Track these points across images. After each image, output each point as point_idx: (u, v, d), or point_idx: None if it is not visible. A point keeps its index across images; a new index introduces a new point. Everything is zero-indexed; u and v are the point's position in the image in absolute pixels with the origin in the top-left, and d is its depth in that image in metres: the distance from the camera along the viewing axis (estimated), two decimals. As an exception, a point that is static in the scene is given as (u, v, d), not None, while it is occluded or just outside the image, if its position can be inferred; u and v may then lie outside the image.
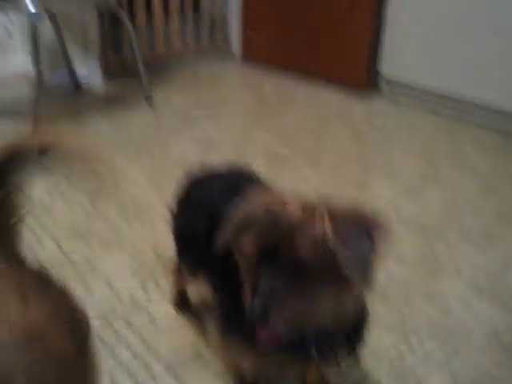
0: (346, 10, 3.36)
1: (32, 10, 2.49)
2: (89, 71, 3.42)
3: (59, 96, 3.19)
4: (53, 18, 3.04)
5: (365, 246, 0.86)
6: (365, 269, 0.86)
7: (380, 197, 2.22)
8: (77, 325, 0.71)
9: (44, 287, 0.72)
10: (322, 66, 3.60)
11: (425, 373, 1.38)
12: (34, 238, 1.83)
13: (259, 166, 2.34)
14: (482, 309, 1.61)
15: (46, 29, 3.03)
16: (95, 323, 1.47)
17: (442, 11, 3.05)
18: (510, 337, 1.50)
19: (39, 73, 2.58)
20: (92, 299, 1.57)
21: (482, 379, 1.37)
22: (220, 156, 2.48)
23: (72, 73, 3.28)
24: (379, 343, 1.45)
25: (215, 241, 0.97)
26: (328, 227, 0.86)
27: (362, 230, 0.88)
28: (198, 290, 1.54)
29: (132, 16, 3.47)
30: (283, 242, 0.87)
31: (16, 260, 0.77)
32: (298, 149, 2.64)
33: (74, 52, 3.30)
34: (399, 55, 3.29)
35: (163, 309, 1.55)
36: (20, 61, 3.16)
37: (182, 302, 1.55)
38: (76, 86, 3.32)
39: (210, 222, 1.16)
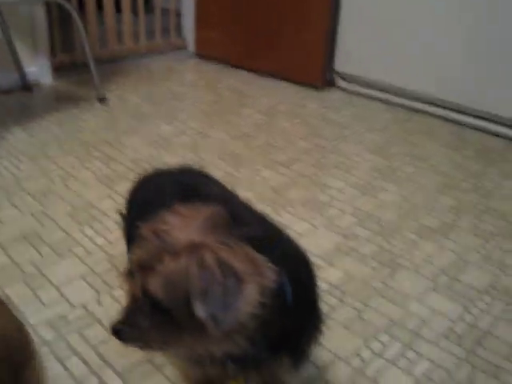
0: (302, 12, 3.35)
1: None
2: (38, 70, 3.32)
3: (7, 97, 3.09)
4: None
5: (228, 296, 0.81)
6: (220, 316, 0.81)
7: (335, 194, 2.21)
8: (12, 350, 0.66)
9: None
10: (277, 64, 3.59)
11: (389, 377, 1.37)
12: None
13: (215, 165, 2.35)
14: (440, 305, 1.61)
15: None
16: (47, 336, 1.42)
17: (393, 10, 3.15)
18: (468, 333, 1.50)
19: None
20: (43, 310, 1.52)
21: (441, 376, 1.36)
22: (176, 156, 2.43)
23: (20, 72, 3.18)
24: (340, 350, 1.43)
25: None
26: (191, 270, 0.81)
27: (232, 280, 0.82)
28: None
29: (82, 12, 3.38)
30: (146, 271, 0.84)
31: None
32: (254, 146, 2.61)
33: (22, 50, 3.20)
34: (353, 52, 3.34)
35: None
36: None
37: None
38: (24, 86, 3.22)
39: None
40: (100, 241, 1.83)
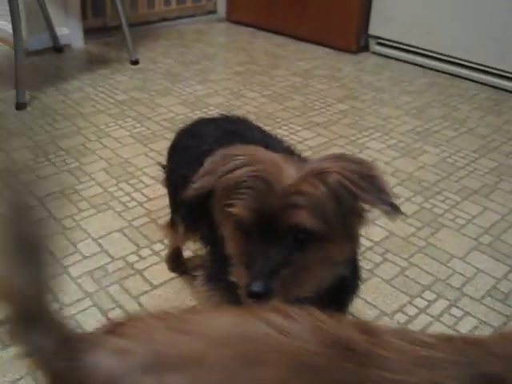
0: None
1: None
2: (70, 32, 3.29)
3: (41, 59, 3.08)
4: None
5: (377, 187, 0.82)
6: (391, 202, 0.82)
7: (375, 156, 2.16)
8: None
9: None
10: (310, 28, 3.52)
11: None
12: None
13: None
14: (484, 264, 1.57)
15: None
16: (89, 288, 1.42)
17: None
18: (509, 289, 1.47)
19: (19, 36, 2.46)
20: (84, 262, 1.51)
21: (487, 332, 1.33)
22: (210, 115, 2.40)
23: (52, 34, 3.16)
24: (385, 306, 1.41)
25: (189, 185, 0.89)
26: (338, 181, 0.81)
27: (368, 176, 0.83)
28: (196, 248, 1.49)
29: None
30: (280, 210, 0.80)
31: None
32: (289, 108, 2.57)
33: (55, 13, 3.17)
34: (389, 16, 3.25)
35: (159, 274, 1.49)
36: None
37: (177, 262, 1.49)
38: (56, 48, 3.20)
39: None
40: (137, 196, 1.82)
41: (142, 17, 3.75)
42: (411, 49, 3.24)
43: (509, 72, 2.88)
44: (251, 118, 2.38)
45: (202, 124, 1.29)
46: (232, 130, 1.18)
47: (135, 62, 3.06)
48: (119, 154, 2.08)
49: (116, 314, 1.33)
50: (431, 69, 3.18)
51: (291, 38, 3.61)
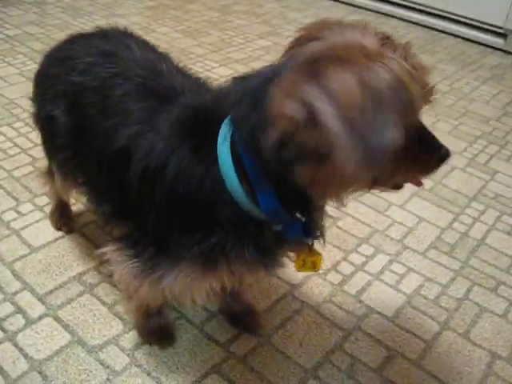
0: None
1: None
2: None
3: None
4: None
5: None
6: None
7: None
8: None
9: None
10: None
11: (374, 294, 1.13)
12: None
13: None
14: (423, 211, 1.38)
15: None
16: None
17: None
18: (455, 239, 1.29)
19: None
20: None
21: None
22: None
23: None
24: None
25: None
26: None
27: None
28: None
29: None
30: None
31: None
32: (205, 43, 2.29)
33: None
34: None
35: (41, 233, 1.21)
36: None
37: (63, 218, 1.22)
38: None
39: (84, 106, 0.86)
40: (21, 141, 1.51)
41: None
42: None
43: (440, 10, 2.69)
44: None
45: (72, 44, 1.00)
46: (109, 50, 0.91)
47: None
48: (4, 95, 1.76)
49: (-20, 286, 1.06)
50: (360, 7, 2.95)
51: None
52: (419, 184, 0.75)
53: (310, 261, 0.81)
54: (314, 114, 0.53)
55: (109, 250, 0.85)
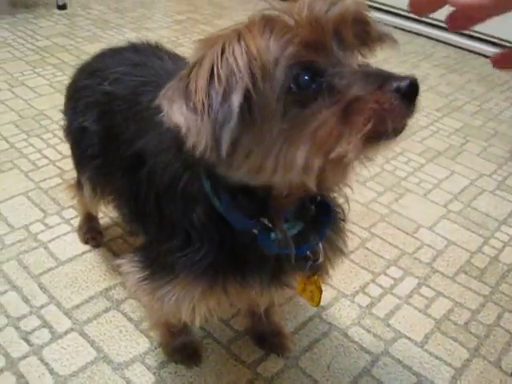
0: None
1: None
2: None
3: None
4: None
5: None
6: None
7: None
8: None
9: None
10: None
11: (402, 318, 1.11)
12: None
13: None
14: (453, 234, 1.36)
15: None
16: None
17: None
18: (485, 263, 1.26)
19: None
20: (-26, 231, 1.22)
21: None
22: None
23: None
24: (343, 286, 1.18)
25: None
26: None
27: None
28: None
29: None
30: None
31: None
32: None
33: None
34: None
35: (68, 247, 1.21)
36: None
37: (91, 231, 1.22)
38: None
39: (114, 114, 0.86)
40: (50, 153, 1.52)
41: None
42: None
43: (469, 29, 2.66)
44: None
45: (103, 57, 1.01)
46: (139, 61, 0.92)
47: (62, 7, 2.71)
48: (33, 106, 1.77)
49: (7, 299, 1.06)
50: (388, 25, 2.93)
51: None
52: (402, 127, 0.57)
53: (310, 289, 0.77)
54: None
55: (123, 262, 0.83)
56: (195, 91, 0.54)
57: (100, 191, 0.99)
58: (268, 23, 0.55)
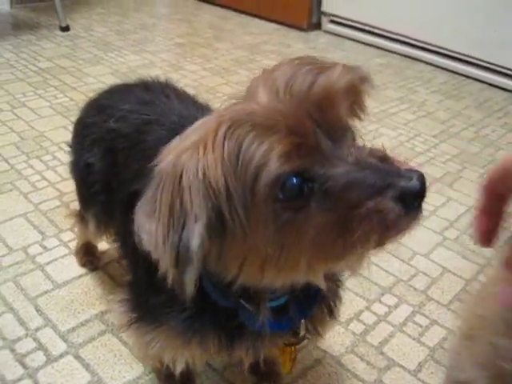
0: None
1: None
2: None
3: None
4: None
5: None
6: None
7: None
8: None
9: None
10: (259, 2, 3.26)
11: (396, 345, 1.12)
12: None
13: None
14: (448, 261, 1.37)
15: None
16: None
17: None
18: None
19: None
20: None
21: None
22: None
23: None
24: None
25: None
26: None
27: None
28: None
29: None
30: None
31: None
32: (232, 82, 2.32)
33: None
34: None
35: (66, 269, 1.22)
36: None
37: (89, 255, 1.23)
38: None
39: (117, 151, 0.87)
40: (50, 175, 1.54)
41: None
42: (366, 28, 3.03)
43: (466, 55, 2.69)
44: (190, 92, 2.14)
45: (111, 93, 1.02)
46: (147, 99, 0.92)
47: (65, 29, 2.75)
48: (34, 127, 1.79)
49: (3, 321, 1.07)
50: (386, 49, 2.98)
51: (238, 11, 3.36)
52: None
53: (283, 358, 0.78)
54: None
55: (113, 300, 0.84)
56: (158, 217, 0.52)
57: (104, 227, 1.01)
58: (235, 129, 0.50)
